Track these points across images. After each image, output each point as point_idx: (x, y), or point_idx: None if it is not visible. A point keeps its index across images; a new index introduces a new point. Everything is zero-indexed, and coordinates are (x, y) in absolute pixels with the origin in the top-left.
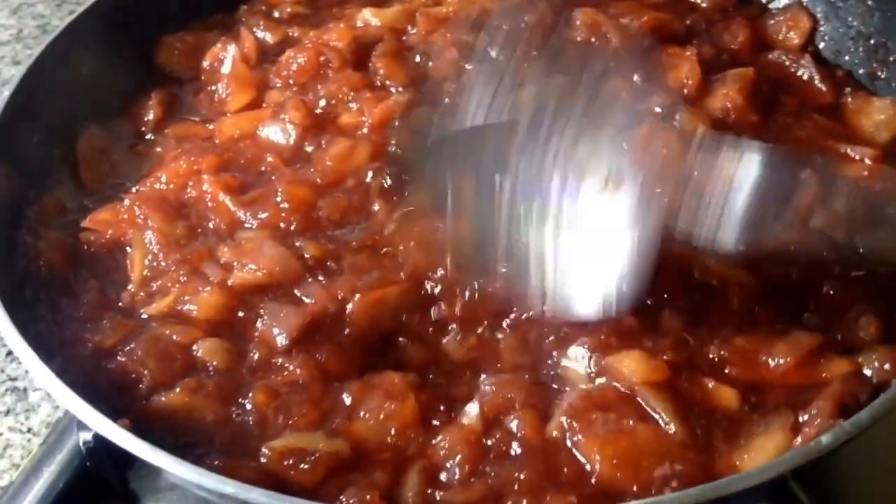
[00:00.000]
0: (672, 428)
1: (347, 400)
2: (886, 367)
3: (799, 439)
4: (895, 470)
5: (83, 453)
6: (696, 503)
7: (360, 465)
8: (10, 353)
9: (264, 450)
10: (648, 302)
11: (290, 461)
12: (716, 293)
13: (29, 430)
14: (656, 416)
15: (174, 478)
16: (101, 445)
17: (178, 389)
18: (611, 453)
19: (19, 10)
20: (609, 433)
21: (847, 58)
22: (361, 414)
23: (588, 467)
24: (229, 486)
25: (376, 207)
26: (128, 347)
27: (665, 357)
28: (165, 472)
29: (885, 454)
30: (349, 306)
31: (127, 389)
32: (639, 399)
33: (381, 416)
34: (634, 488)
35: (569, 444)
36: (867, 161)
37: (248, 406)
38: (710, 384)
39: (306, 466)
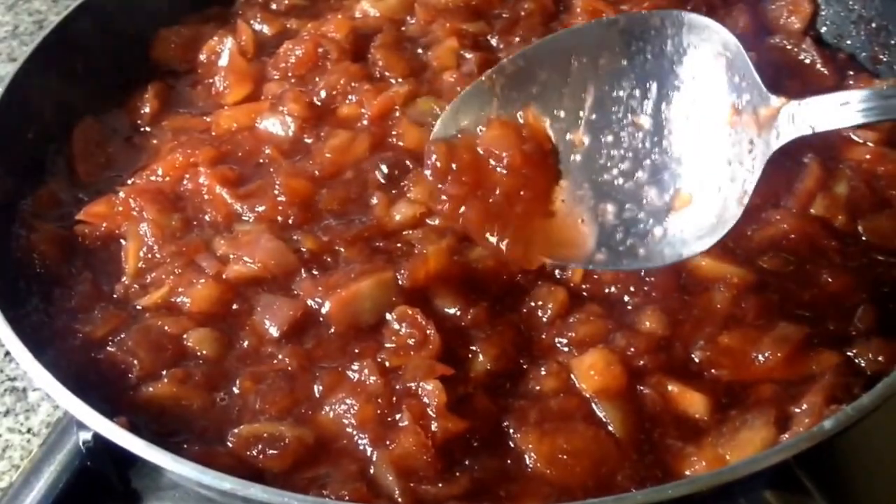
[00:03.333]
0: (618, 435)
1: (318, 391)
2: (881, 358)
3: (786, 435)
4: None
5: (83, 453)
6: (701, 490)
7: (326, 455)
8: (8, 353)
9: (230, 437)
10: (627, 299)
11: (259, 447)
12: (704, 292)
13: (29, 431)
14: (605, 422)
15: (174, 475)
16: (102, 445)
17: (165, 380)
18: (547, 450)
19: (15, 7)
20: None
21: (849, 42)
22: (326, 408)
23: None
24: (227, 483)
25: (375, 200)
26: (118, 338)
27: (639, 362)
28: (165, 470)
29: (887, 439)
30: (324, 308)
31: (117, 379)
32: (592, 405)
33: (344, 410)
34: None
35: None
36: (870, 144)
37: (236, 391)
38: (676, 390)
39: (275, 452)
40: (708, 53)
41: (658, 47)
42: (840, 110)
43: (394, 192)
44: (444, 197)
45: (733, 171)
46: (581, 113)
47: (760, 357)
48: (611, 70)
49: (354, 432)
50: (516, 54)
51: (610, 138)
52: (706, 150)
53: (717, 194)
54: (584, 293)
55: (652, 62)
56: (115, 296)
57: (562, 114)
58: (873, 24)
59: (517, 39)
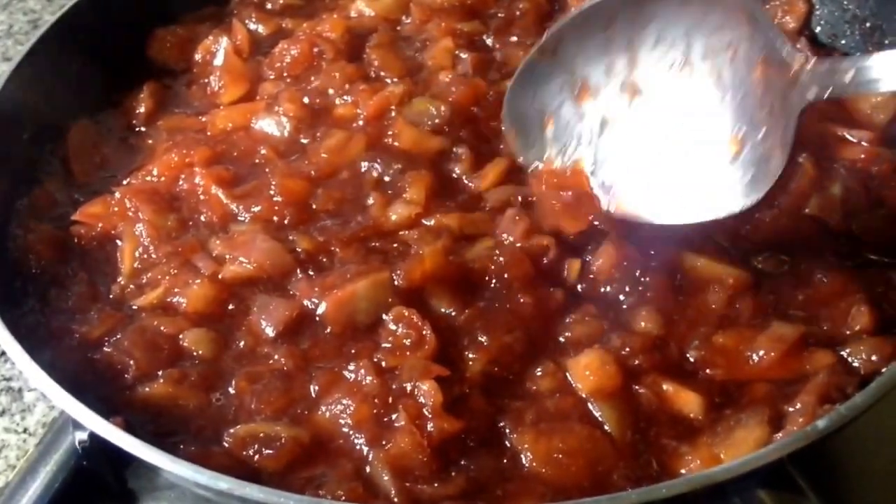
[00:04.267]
0: (613, 434)
1: (314, 391)
2: (874, 358)
3: (779, 434)
4: (889, 454)
5: (79, 453)
6: (695, 489)
7: (323, 455)
8: (3, 353)
9: (226, 437)
10: (623, 299)
11: (255, 447)
12: (699, 292)
13: (25, 431)
14: (601, 422)
15: (171, 475)
16: (98, 444)
17: (162, 380)
18: (542, 449)
19: (10, 6)
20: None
21: (843, 41)
22: (322, 408)
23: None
24: (223, 483)
25: (371, 201)
26: (114, 338)
27: (634, 361)
28: (161, 470)
29: (881, 438)
30: (320, 308)
31: (113, 380)
32: (587, 405)
33: (340, 410)
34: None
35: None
36: (864, 144)
37: (232, 391)
38: (671, 389)
39: (271, 452)
40: (731, 5)
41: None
42: (859, 74)
43: (390, 192)
44: None
45: (774, 118)
46: (632, 68)
47: (755, 357)
48: (648, 25)
49: (350, 432)
50: (565, 21)
51: (661, 91)
52: (748, 96)
53: (764, 140)
54: (580, 292)
55: (683, 13)
56: (111, 296)
57: (615, 69)
58: (868, 24)
59: (512, 39)
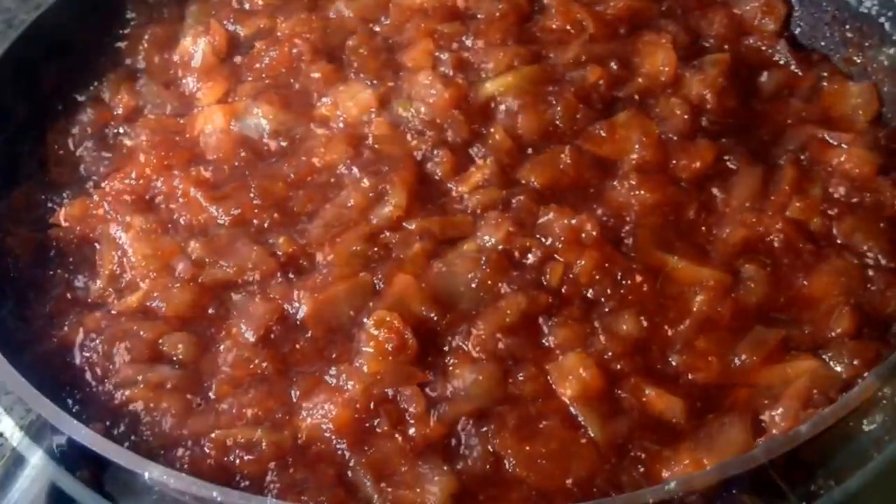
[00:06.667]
0: (596, 439)
1: (295, 395)
2: (856, 362)
3: (762, 439)
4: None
5: (57, 457)
6: (678, 494)
7: (304, 461)
8: None
9: (206, 442)
10: (605, 302)
11: (235, 452)
12: (680, 295)
13: (1, 435)
14: (584, 426)
15: (149, 480)
16: (75, 449)
17: (141, 384)
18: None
19: None
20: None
21: (823, 43)
22: (303, 413)
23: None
24: (203, 488)
25: (351, 203)
26: (94, 342)
27: (616, 365)
28: (140, 475)
29: None
30: (300, 312)
31: (92, 384)
32: (570, 409)
33: (321, 415)
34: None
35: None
36: (845, 146)
37: (212, 395)
38: (653, 393)
39: (251, 457)
40: None
41: None
42: None
43: (370, 194)
44: None
45: None
46: None
47: (737, 360)
48: None
49: (332, 437)
50: None
51: None
52: None
53: None
54: (562, 295)
55: None
56: (89, 300)
57: None
58: (847, 26)
59: (492, 40)
